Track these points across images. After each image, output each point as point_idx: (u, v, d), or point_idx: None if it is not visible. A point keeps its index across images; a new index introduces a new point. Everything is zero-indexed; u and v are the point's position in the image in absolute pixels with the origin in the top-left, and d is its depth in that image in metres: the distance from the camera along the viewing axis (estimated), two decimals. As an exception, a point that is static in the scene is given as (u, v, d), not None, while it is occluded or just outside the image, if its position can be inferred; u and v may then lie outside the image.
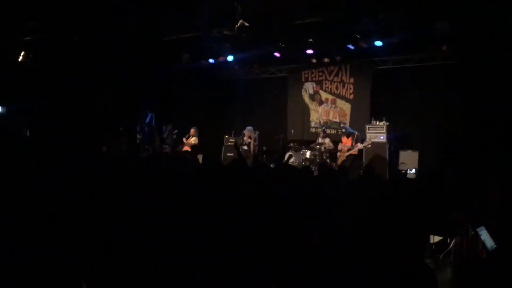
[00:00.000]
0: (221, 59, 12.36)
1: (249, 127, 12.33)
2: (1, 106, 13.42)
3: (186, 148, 12.46)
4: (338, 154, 11.36)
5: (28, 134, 13.59)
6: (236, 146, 8.34)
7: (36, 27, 9.94)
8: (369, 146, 10.88)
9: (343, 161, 11.00)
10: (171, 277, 2.59)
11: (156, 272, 2.66)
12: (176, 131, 13.61)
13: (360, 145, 10.96)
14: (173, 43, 11.34)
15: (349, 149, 11.10)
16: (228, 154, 13.11)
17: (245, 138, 12.27)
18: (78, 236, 2.93)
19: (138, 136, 14.34)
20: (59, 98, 12.52)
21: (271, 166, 9.82)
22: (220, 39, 10.66)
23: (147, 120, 15.06)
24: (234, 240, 3.32)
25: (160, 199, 4.40)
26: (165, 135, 14.55)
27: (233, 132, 13.79)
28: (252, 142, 12.17)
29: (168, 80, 13.53)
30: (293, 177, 5.40)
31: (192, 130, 12.69)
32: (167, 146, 14.15)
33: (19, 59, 11.31)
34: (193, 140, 12.53)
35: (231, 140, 13.58)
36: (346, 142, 11.29)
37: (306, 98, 13.42)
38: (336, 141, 11.84)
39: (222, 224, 3.65)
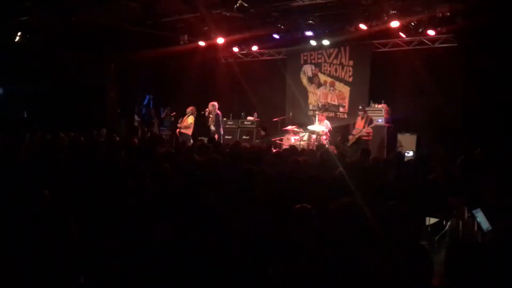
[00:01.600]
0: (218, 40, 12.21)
1: (214, 102, 11.71)
2: (-2, 87, 13.35)
3: (184, 131, 12.02)
4: (350, 137, 11.24)
5: (25, 115, 13.56)
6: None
7: (32, 7, 9.82)
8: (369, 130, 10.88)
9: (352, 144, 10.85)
10: (172, 260, 2.62)
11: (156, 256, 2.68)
12: (174, 113, 13.58)
13: (368, 129, 10.80)
14: (171, 24, 11.24)
15: (359, 132, 10.99)
16: (226, 137, 13.12)
17: (206, 111, 11.65)
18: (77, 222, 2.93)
19: (136, 118, 14.34)
20: (56, 80, 12.47)
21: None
22: (219, 20, 10.56)
23: (145, 102, 15.04)
24: (233, 222, 3.35)
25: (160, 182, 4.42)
26: (165, 121, 14.55)
27: (231, 115, 13.77)
28: (213, 117, 11.49)
29: (167, 62, 13.43)
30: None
31: (210, 105, 11.81)
32: (165, 129, 14.16)
33: (16, 40, 11.20)
34: (190, 119, 11.64)
35: (229, 122, 13.57)
36: (359, 125, 11.04)
37: (305, 81, 13.37)
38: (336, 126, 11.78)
39: (222, 206, 3.67)
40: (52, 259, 2.42)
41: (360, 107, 11.34)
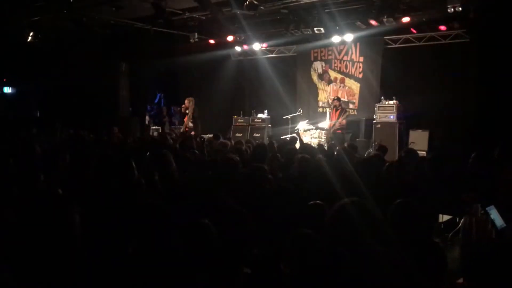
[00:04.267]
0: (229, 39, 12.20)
1: (190, 97, 11.45)
2: (11, 86, 13.53)
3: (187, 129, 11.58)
4: (325, 132, 11.13)
5: (38, 115, 13.72)
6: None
7: (44, 7, 9.92)
8: (379, 126, 10.81)
9: (330, 139, 10.60)
10: (186, 255, 2.63)
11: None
12: (179, 108, 13.59)
13: (342, 121, 10.70)
14: (181, 22, 11.26)
15: (333, 124, 10.84)
16: (237, 135, 13.13)
17: (182, 107, 11.40)
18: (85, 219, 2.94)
19: (147, 116, 14.42)
20: (68, 79, 12.58)
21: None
22: (229, 18, 10.57)
23: (156, 101, 15.11)
24: (244, 217, 3.36)
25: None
26: (173, 116, 14.61)
27: (241, 112, 13.78)
28: (190, 113, 11.20)
29: (177, 60, 13.47)
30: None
31: (187, 101, 11.53)
32: (175, 127, 14.23)
33: (28, 40, 11.31)
34: (188, 111, 11.42)
35: (240, 120, 13.59)
36: (333, 117, 10.95)
37: (315, 78, 13.34)
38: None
39: (231, 201, 3.69)
40: (55, 258, 2.42)
41: (335, 98, 11.23)
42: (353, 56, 12.51)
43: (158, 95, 14.90)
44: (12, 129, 10.53)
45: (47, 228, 2.47)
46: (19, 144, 7.07)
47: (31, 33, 11.25)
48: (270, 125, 13.17)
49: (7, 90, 13.47)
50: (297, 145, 8.20)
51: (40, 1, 9.62)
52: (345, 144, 7.95)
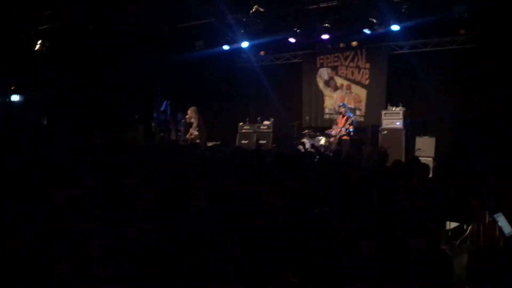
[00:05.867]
0: (235, 45, 12.24)
1: (192, 107, 11.48)
2: (19, 94, 13.62)
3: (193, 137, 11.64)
4: (332, 139, 11.08)
5: (45, 122, 13.78)
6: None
7: (51, 16, 10.01)
8: (385, 132, 10.76)
9: (337, 145, 10.56)
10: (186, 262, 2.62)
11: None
12: (183, 120, 13.58)
13: (348, 127, 10.69)
14: (187, 30, 11.32)
15: (339, 131, 10.80)
16: (243, 142, 13.12)
17: (186, 118, 11.46)
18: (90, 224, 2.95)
19: (153, 124, 14.43)
20: (75, 87, 12.65)
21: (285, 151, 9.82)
22: (235, 25, 10.61)
23: (162, 108, 15.12)
24: (252, 226, 3.35)
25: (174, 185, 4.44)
26: (179, 124, 14.61)
27: (247, 119, 13.78)
28: (195, 122, 11.26)
29: (183, 68, 13.51)
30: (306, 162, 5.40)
31: (189, 111, 11.58)
32: (181, 134, 14.22)
33: (36, 48, 11.40)
34: (193, 120, 11.49)
35: (245, 127, 13.58)
36: (340, 123, 10.91)
37: (321, 84, 13.32)
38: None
39: (239, 210, 3.67)
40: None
41: (341, 104, 11.19)
42: (360, 63, 12.48)
43: (165, 102, 14.90)
44: (20, 137, 10.56)
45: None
46: (31, 152, 7.10)
47: (39, 42, 11.35)
48: (276, 132, 13.16)
49: (15, 98, 13.56)
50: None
51: (48, 9, 9.72)
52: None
